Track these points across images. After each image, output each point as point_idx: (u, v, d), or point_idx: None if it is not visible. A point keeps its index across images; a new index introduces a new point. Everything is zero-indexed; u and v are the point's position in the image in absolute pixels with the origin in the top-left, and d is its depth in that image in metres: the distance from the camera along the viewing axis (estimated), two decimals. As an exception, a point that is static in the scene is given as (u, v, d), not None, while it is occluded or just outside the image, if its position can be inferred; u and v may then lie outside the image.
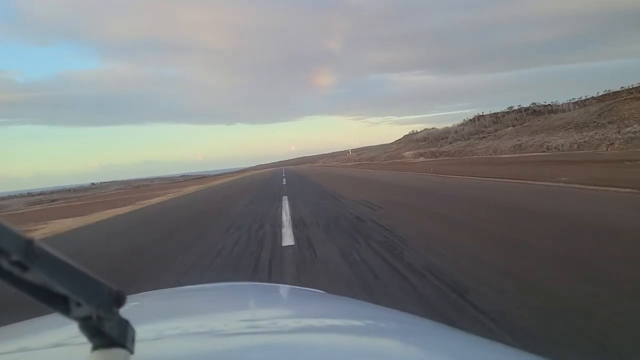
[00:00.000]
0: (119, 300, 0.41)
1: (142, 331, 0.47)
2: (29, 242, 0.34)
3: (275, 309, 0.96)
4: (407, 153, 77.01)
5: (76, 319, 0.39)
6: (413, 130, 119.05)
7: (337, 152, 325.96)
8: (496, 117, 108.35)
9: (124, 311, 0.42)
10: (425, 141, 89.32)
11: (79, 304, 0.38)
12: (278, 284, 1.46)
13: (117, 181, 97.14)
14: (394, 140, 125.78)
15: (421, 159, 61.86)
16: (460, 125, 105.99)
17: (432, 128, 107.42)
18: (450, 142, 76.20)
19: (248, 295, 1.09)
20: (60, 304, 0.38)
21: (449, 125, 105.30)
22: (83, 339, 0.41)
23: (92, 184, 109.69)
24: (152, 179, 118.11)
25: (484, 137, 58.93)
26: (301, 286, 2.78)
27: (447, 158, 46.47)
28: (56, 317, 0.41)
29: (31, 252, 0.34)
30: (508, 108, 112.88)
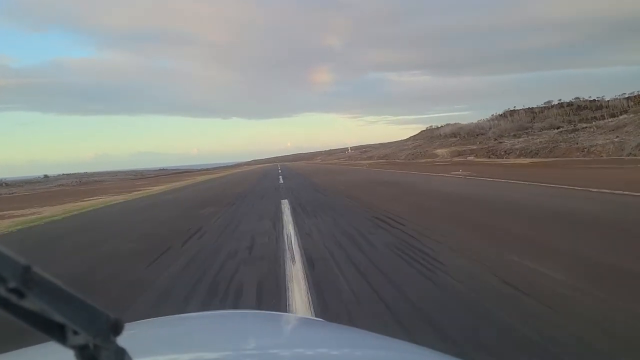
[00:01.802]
0: (117, 329, 0.40)
1: None
2: (27, 269, 0.33)
3: (273, 338, 0.94)
4: (439, 151, 59.08)
5: (73, 347, 0.38)
6: (432, 126, 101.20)
7: (335, 149, 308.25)
8: (533, 113, 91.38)
9: (121, 340, 0.41)
10: (456, 137, 71.24)
11: (75, 332, 0.37)
12: (278, 312, 1.39)
13: (73, 174, 78.14)
14: (408, 137, 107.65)
15: (471, 158, 43.79)
16: (491, 120, 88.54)
17: (455, 123, 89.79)
18: (497, 139, 58.17)
19: (246, 324, 1.05)
20: (56, 331, 0.37)
21: (474, 121, 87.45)
22: None
23: (45, 176, 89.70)
24: (118, 173, 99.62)
25: (575, 130, 40.55)
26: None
27: (537, 160, 28.02)
28: (52, 346, 0.40)
29: (29, 279, 0.33)
30: (545, 103, 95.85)
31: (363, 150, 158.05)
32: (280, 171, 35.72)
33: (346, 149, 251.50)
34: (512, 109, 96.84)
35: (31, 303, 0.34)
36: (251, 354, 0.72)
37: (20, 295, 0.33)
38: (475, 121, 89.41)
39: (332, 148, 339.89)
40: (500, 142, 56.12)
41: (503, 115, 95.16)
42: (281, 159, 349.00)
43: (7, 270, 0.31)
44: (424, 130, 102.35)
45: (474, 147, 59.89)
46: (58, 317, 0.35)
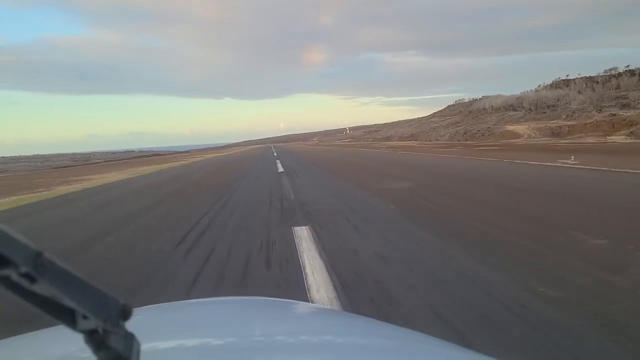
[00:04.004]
0: (126, 314, 0.39)
1: (146, 345, 0.47)
2: (39, 254, 0.33)
3: (279, 325, 0.92)
4: (516, 128, 38.82)
5: (82, 332, 0.38)
6: (462, 99, 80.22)
7: (332, 130, 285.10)
8: (593, 81, 71.17)
9: (129, 325, 0.40)
10: (516, 110, 50.67)
11: (85, 317, 0.37)
12: (284, 300, 1.32)
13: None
14: (430, 113, 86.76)
15: (619, 138, 23.53)
16: (541, 91, 68.19)
17: (498, 95, 69.17)
18: (600, 111, 37.89)
19: (252, 311, 1.03)
20: (66, 316, 0.37)
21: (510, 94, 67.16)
22: (88, 352, 0.39)
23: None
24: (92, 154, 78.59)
25: None
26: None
27: None
28: (61, 330, 0.40)
29: (40, 264, 0.33)
30: (606, 71, 75.33)
31: (368, 131, 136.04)
32: (281, 169, 14.82)
33: (344, 129, 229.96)
34: (563, 78, 76.14)
35: (42, 288, 0.33)
36: (257, 341, 0.72)
37: (32, 280, 0.33)
38: (517, 93, 68.76)
39: (327, 129, 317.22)
40: (613, 115, 36.05)
41: (554, 86, 74.66)
42: (274, 139, 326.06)
43: (19, 256, 0.31)
44: (451, 105, 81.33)
45: (570, 122, 39.55)
46: (68, 302, 0.35)
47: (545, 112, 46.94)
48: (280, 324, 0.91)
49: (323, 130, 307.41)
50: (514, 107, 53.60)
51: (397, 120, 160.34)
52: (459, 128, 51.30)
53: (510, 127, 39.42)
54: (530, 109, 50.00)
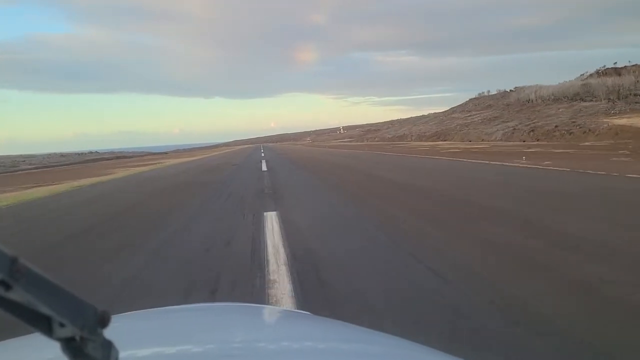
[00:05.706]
0: (104, 321, 0.38)
1: (125, 353, 0.45)
2: (14, 260, 0.31)
3: (259, 331, 0.92)
4: (635, 121, 26.02)
5: (59, 339, 0.37)
6: (485, 92, 67.11)
7: (324, 129, 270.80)
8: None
9: (108, 332, 0.39)
10: (579, 101, 37.71)
11: (62, 325, 0.36)
12: (263, 305, 1.30)
13: None
14: (448, 108, 73.48)
15: None
16: (593, 78, 55.54)
17: (537, 86, 56.25)
18: None
19: (232, 318, 1.04)
20: (43, 324, 0.36)
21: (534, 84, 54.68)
22: None
23: None
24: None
25: None
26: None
27: None
28: (38, 338, 0.38)
29: (16, 270, 0.31)
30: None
31: (367, 130, 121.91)
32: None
33: (338, 129, 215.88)
34: (611, 66, 63.45)
35: (17, 295, 0.32)
36: (237, 347, 0.70)
37: (7, 287, 0.31)
38: (555, 84, 55.88)
39: (319, 128, 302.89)
40: None
41: (601, 74, 61.75)
42: (265, 139, 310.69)
43: None
44: (474, 98, 68.37)
45: None
46: (45, 309, 0.34)
47: (639, 102, 33.65)
48: (260, 330, 0.90)
49: (315, 129, 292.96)
50: (581, 97, 40.45)
51: (391, 119, 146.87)
52: (510, 124, 38.02)
53: (619, 122, 26.17)
54: (609, 99, 36.71)
